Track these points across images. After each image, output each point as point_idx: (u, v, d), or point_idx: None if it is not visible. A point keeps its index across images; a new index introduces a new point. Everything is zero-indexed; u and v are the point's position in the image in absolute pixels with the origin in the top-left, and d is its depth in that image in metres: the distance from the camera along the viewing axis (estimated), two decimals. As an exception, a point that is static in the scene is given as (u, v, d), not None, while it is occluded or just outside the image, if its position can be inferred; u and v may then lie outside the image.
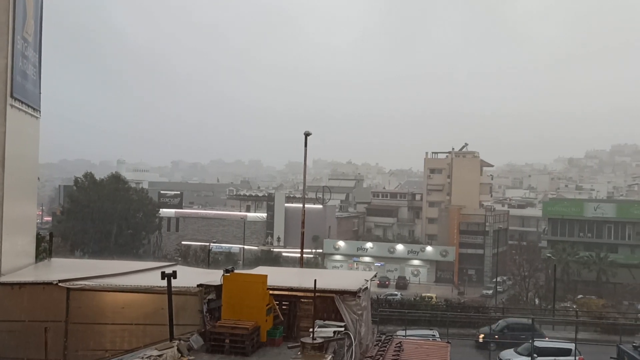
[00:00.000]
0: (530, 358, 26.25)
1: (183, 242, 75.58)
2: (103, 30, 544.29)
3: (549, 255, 64.98)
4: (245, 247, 75.19)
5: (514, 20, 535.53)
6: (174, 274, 11.69)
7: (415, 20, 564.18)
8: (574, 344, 27.77)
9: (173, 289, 11.70)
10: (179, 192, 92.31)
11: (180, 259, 59.29)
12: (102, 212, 70.43)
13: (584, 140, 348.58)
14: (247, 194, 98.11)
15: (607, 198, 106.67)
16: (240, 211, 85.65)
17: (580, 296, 56.95)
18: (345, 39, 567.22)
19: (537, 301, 55.19)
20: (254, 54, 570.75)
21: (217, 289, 13.08)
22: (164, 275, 11.59)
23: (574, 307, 48.44)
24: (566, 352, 27.14)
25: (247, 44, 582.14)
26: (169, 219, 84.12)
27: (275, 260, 64.29)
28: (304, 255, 30.21)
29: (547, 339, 30.64)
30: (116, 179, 76.54)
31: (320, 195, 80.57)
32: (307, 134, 27.04)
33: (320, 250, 75.24)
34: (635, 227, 71.06)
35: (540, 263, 64.99)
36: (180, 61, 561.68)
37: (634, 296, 58.50)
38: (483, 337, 31.70)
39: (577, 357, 26.69)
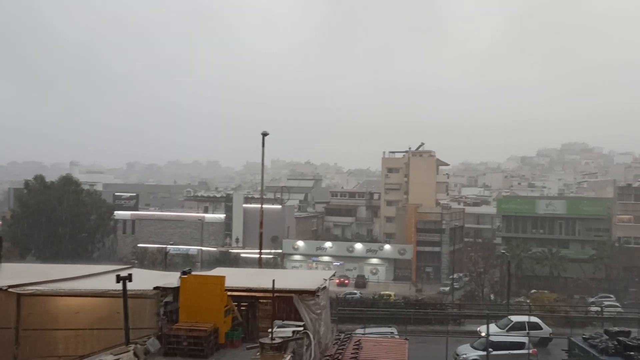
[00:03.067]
0: (485, 352, 26.90)
1: (139, 245, 74.19)
2: (31, 26, 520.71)
3: (503, 251, 66.51)
4: (204, 248, 74.42)
5: (450, 20, 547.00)
6: (129, 277, 11.50)
7: (353, 22, 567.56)
8: (527, 338, 28.64)
9: (129, 292, 11.50)
10: (134, 194, 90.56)
11: (136, 262, 58.23)
12: (53, 215, 68.42)
13: (535, 140, 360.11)
14: (205, 195, 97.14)
15: (558, 195, 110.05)
16: (198, 212, 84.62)
17: (533, 291, 58.68)
18: (287, 46, 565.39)
19: (492, 297, 56.59)
20: (190, 58, 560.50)
21: (175, 291, 12.89)
22: (119, 279, 11.39)
23: (528, 301, 49.93)
24: (520, 345, 27.98)
25: (181, 46, 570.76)
26: (125, 221, 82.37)
27: (234, 261, 63.84)
28: (263, 256, 30.16)
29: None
30: (68, 181, 74.43)
31: (279, 196, 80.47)
32: (264, 134, 27.00)
33: (280, 251, 75.08)
34: (585, 223, 73.66)
35: (495, 259, 66.61)
36: (113, 61, 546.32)
37: (583, 290, 60.78)
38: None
39: (530, 350, 27.53)
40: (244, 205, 78.35)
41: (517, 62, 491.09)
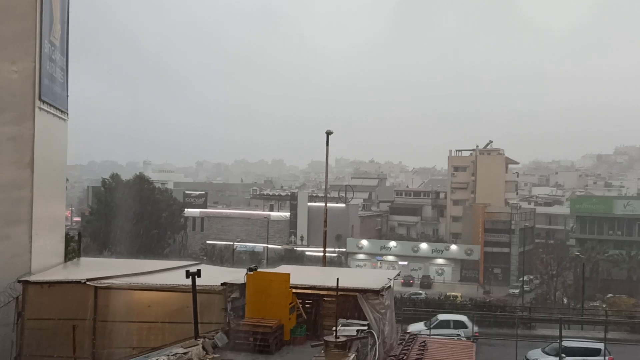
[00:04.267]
0: (558, 358, 25.88)
1: (208, 242, 76.20)
2: (105, 28, 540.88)
3: (577, 253, 64.00)
4: (269, 246, 75.55)
5: (523, 9, 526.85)
6: (198, 273, 11.80)
7: (423, 18, 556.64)
8: (603, 344, 27.30)
9: (197, 288, 11.80)
10: (203, 192, 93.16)
11: (205, 258, 59.79)
12: (128, 212, 71.38)
13: (612, 136, 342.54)
14: (271, 193, 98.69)
15: (637, 195, 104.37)
16: (263, 210, 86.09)
17: (609, 295, 55.90)
18: (356, 41, 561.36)
19: (565, 300, 54.38)
20: (255, 58, 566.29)
21: (241, 287, 13.13)
22: (188, 274, 11.71)
23: (604, 306, 47.59)
24: (595, 352, 26.70)
25: (244, 49, 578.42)
26: (194, 218, 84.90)
27: (299, 259, 64.42)
28: (327, 254, 30.26)
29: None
30: (141, 179, 77.52)
31: (343, 194, 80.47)
32: (328, 133, 27.04)
33: (344, 249, 75.14)
34: (666, 224, 69.53)
35: (568, 261, 64.10)
36: (178, 63, 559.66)
37: (665, 295, 57.28)
38: None
39: (606, 357, 26.24)
40: (309, 203, 78.99)
41: (598, 50, 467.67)
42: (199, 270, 11.94)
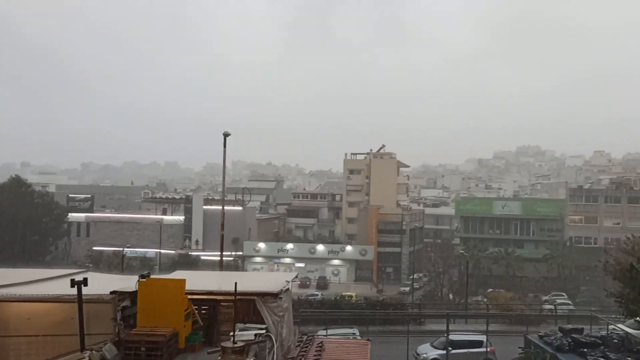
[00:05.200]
0: (445, 351, 27.24)
1: (95, 248, 72.34)
2: None
3: (461, 251, 67.80)
4: (162, 251, 73.02)
5: (417, 20, 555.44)
6: (84, 281, 11.10)
7: (320, 24, 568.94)
8: (485, 336, 29.15)
9: (84, 297, 11.09)
10: (89, 196, 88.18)
11: (91, 265, 56.91)
12: (2, 218, 65.96)
13: (491, 142, 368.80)
14: (164, 196, 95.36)
15: (513, 196, 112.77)
16: (156, 214, 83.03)
17: (490, 290, 59.91)
18: (256, 51, 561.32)
19: (451, 296, 57.52)
20: (155, 61, 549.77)
21: (132, 295, 12.55)
22: (73, 283, 10.98)
23: (485, 300, 50.92)
24: (478, 344, 28.44)
25: (147, 49, 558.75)
26: (79, 223, 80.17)
27: (194, 264, 62.97)
28: (224, 258, 29.71)
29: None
30: (17, 182, 71.88)
31: (240, 197, 79.72)
32: (226, 135, 26.59)
33: (240, 253, 74.38)
34: (538, 223, 75.80)
35: (453, 259, 67.75)
36: (75, 61, 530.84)
37: (538, 289, 62.38)
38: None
39: (488, 348, 28.03)
40: (204, 206, 77.32)
41: (480, 68, 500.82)
42: (85, 279, 11.23)
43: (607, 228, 72.60)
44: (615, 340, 21.92)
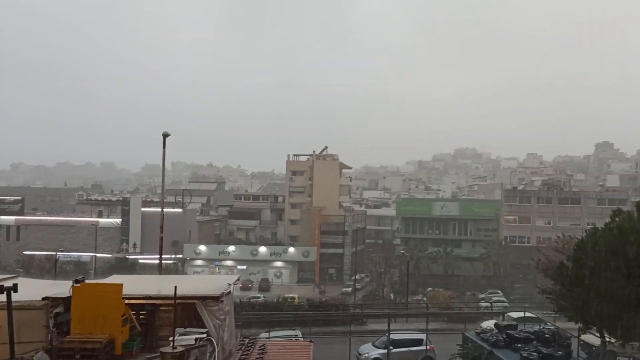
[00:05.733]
0: (386, 350, 27.63)
1: (25, 252, 69.13)
2: None
3: (402, 252, 69.01)
4: (98, 255, 70.60)
5: (355, 22, 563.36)
6: (14, 287, 10.55)
7: (260, 24, 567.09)
8: (425, 334, 29.79)
9: (14, 304, 10.54)
10: (19, 198, 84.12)
11: (22, 270, 54.47)
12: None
13: (431, 144, 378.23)
14: (99, 198, 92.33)
15: (451, 197, 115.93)
16: (91, 217, 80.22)
17: (430, 289, 61.29)
18: (188, 45, 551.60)
19: (392, 296, 58.44)
20: (93, 57, 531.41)
21: (66, 301, 12.05)
22: (2, 289, 10.42)
23: (425, 299, 52.03)
24: (418, 342, 29.03)
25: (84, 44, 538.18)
26: (8, 227, 76.39)
27: (132, 267, 61.30)
28: (163, 262, 29.05)
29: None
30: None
31: (180, 199, 78.26)
32: (165, 135, 26.03)
33: (181, 256, 72.91)
34: (475, 223, 78.25)
35: (394, 259, 68.91)
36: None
37: (475, 287, 64.37)
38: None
39: (427, 346, 28.65)
40: (142, 209, 75.29)
41: (416, 68, 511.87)
42: (15, 285, 10.68)
43: (539, 227, 75.78)
44: (546, 335, 22.90)
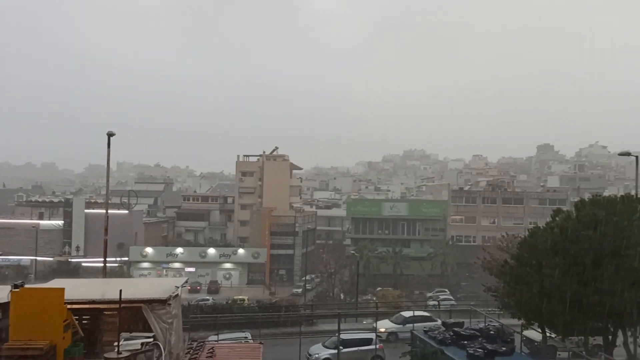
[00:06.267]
0: (336, 351, 27.75)
1: (-40, 257, 65.83)
2: None
3: (352, 252, 69.65)
4: (38, 258, 67.95)
5: (304, 20, 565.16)
6: (-55, 294, 10.01)
7: (208, 19, 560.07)
8: (374, 334, 30.10)
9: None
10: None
11: (-44, 276, 51.80)
12: None
13: (380, 145, 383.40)
14: (40, 199, 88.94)
15: (400, 198, 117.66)
16: (31, 219, 77.15)
17: (379, 289, 62.03)
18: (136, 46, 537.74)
19: (342, 296, 58.82)
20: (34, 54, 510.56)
21: (4, 307, 11.53)
22: None
23: (374, 299, 52.62)
24: (368, 341, 29.29)
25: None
26: (-59, 230, 72.57)
27: (75, 271, 59.28)
28: (108, 265, 28.24)
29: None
30: None
31: (126, 200, 76.40)
32: (110, 135, 25.33)
33: (126, 259, 71.15)
34: (423, 223, 79.78)
35: (345, 260, 69.40)
36: None
37: (423, 286, 65.61)
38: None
39: (377, 345, 28.95)
40: (86, 210, 73.04)
41: (365, 69, 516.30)
42: (-54, 291, 10.13)
43: (484, 227, 78.00)
44: (491, 332, 23.54)
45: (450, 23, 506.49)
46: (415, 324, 30.61)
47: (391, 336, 33.15)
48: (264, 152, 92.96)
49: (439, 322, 33.23)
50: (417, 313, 34.99)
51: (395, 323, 34.64)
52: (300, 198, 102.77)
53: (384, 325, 34.46)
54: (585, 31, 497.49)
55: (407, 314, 35.54)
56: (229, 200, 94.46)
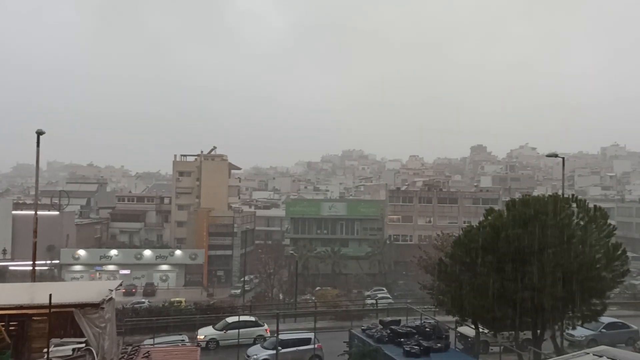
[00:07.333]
0: (275, 351, 27.73)
1: None
2: None
3: (291, 252, 69.67)
4: (-40, 263, 64.15)
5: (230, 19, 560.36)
6: None
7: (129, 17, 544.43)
8: (313, 333, 30.29)
9: None
10: None
11: None
12: None
13: (319, 146, 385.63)
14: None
15: (339, 198, 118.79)
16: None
17: (318, 288, 62.41)
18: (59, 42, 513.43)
19: (281, 296, 58.80)
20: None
21: None
22: None
23: (313, 298, 52.90)
24: (306, 341, 29.45)
25: None
26: None
27: (1, 275, 56.56)
28: (37, 268, 27.02)
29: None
30: None
31: (57, 201, 73.35)
32: (39, 133, 24.26)
33: (57, 261, 68.31)
34: (362, 223, 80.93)
35: (284, 260, 69.31)
36: None
37: (361, 285, 66.51)
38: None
39: (315, 345, 29.15)
40: (13, 212, 69.57)
41: (295, 70, 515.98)
42: None
43: (420, 226, 79.93)
44: (427, 329, 24.20)
45: (383, 22, 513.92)
46: (240, 330, 30.59)
47: (210, 343, 32.43)
48: (201, 151, 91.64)
49: (265, 326, 33.92)
50: (243, 318, 34.35)
51: (218, 330, 33.69)
52: (239, 198, 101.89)
53: (206, 332, 33.52)
54: (500, 32, 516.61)
55: (231, 319, 34.41)
56: (166, 200, 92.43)
